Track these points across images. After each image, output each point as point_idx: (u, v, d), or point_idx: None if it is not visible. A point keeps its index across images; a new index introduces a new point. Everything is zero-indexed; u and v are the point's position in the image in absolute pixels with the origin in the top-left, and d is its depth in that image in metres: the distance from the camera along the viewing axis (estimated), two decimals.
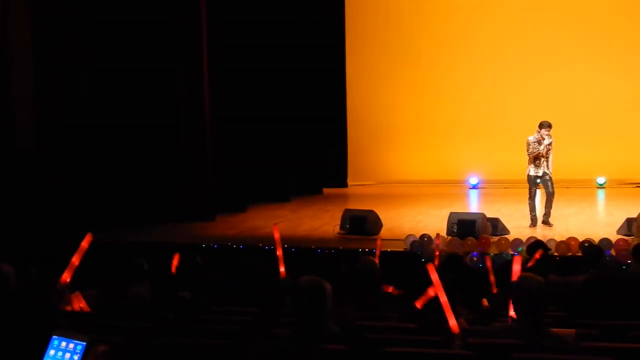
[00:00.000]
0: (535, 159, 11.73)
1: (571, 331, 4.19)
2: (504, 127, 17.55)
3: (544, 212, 11.95)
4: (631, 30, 17.11)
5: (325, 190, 17.32)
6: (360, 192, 17.47)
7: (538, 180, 11.81)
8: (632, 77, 17.15)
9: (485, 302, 6.11)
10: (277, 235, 8.03)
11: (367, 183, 18.36)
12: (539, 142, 11.64)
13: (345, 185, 18.00)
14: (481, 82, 17.74)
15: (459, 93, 17.86)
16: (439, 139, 17.96)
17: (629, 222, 10.91)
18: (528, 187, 11.91)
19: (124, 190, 12.77)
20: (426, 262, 7.85)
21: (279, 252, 7.61)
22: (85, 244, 6.23)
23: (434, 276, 4.74)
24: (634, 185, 16.91)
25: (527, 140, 11.73)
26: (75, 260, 6.11)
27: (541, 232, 11.06)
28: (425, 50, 17.98)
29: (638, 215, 10.72)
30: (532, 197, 11.90)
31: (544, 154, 11.69)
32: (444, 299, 4.64)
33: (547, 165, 11.79)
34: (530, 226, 11.84)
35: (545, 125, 11.69)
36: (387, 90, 18.24)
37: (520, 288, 4.08)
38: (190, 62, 13.27)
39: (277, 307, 5.57)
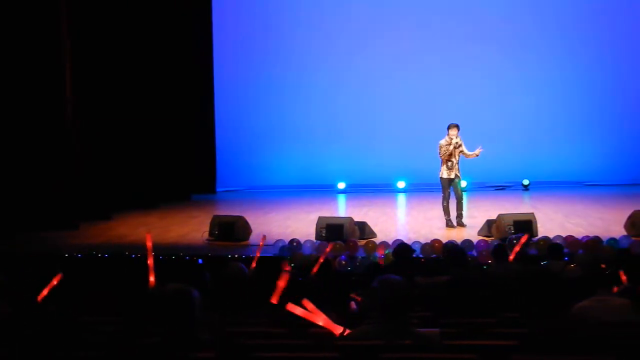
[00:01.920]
0: (448, 161, 11.97)
1: (435, 330, 4.30)
2: (370, 133, 17.91)
3: (456, 214, 12.14)
4: (506, 43, 17.78)
5: (194, 197, 17.13)
6: (229, 198, 17.39)
7: (451, 183, 12.05)
8: (497, 85, 17.81)
9: (353, 304, 6.18)
10: (149, 244, 7.85)
11: (236, 189, 18.30)
12: (449, 144, 11.91)
13: (213, 191, 17.88)
14: (348, 89, 18.01)
15: (327, 99, 18.07)
16: (307, 145, 18.12)
17: (489, 223, 11.32)
18: (442, 189, 12.09)
19: None
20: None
21: (150, 261, 7.44)
22: None
23: (310, 306, 4.75)
24: (494, 188, 17.60)
25: (439, 143, 11.98)
26: None
27: (407, 235, 11.31)
28: (294, 55, 18.11)
29: (497, 217, 11.13)
30: (446, 199, 12.09)
31: (455, 156, 11.95)
32: (319, 320, 4.66)
33: (458, 168, 12.07)
34: (449, 226, 12.02)
35: (451, 126, 11.98)
36: (256, 96, 18.25)
37: (382, 289, 4.15)
38: (50, 62, 12.87)
39: (145, 316, 5.45)
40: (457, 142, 11.93)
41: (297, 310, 4.69)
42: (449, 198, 12.07)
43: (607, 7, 17.69)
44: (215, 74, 17.82)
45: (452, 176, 12.01)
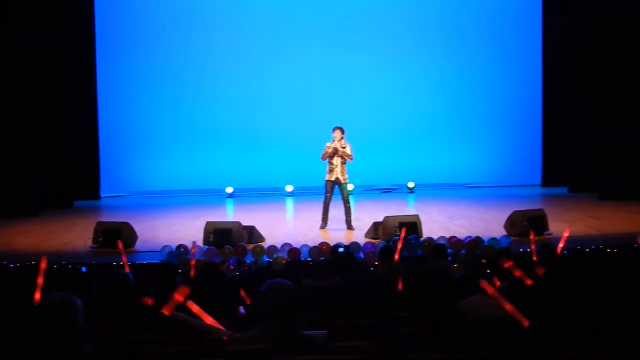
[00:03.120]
0: (329, 164, 12.04)
1: (322, 332, 4.32)
2: (258, 137, 17.90)
3: (345, 218, 12.28)
4: (382, 47, 18.07)
5: (76, 203, 16.65)
6: (113, 204, 17.00)
7: (334, 186, 12.13)
8: (379, 89, 18.12)
9: (241, 309, 6.15)
10: (42, 265, 7.46)
11: (121, 194, 17.92)
12: (330, 147, 12.02)
13: (97, 197, 17.42)
14: (234, 93, 17.93)
15: (214, 103, 17.94)
16: (194, 149, 17.94)
17: (376, 225, 11.48)
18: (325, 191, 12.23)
19: None
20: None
21: (40, 280, 7.08)
22: None
23: (195, 308, 4.70)
24: (380, 191, 17.89)
25: (325, 145, 12.10)
26: None
27: (295, 238, 11.33)
28: (178, 58, 17.90)
29: (384, 219, 11.30)
30: (325, 202, 12.21)
31: (337, 158, 11.99)
32: (206, 323, 4.62)
33: (341, 171, 12.11)
34: (320, 228, 12.21)
35: (334, 129, 12.09)
36: (140, 100, 17.94)
37: (270, 294, 4.14)
38: None
39: (26, 327, 5.25)
40: (340, 145, 12.01)
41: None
42: (329, 200, 12.20)
43: (485, 15, 18.26)
44: (98, 75, 17.40)
45: (333, 178, 12.10)
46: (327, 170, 12.15)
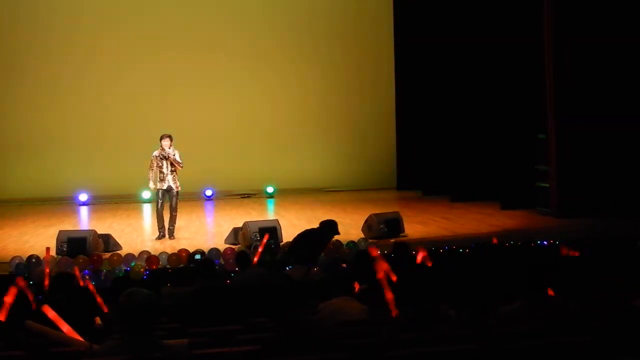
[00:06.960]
0: (159, 172, 11.75)
1: (183, 341, 4.25)
2: (111, 143, 17.50)
3: (168, 227, 11.94)
4: (239, 52, 18.04)
5: None
6: None
7: (165, 194, 11.82)
8: (236, 95, 18.10)
9: (98, 320, 5.98)
10: None
11: None
12: (162, 156, 11.71)
13: None
14: (86, 97, 17.48)
15: (63, 107, 17.42)
16: (42, 155, 17.31)
17: (236, 231, 11.46)
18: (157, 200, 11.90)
19: None
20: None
21: None
22: None
23: (51, 314, 4.52)
24: (239, 196, 17.85)
25: (152, 154, 11.78)
26: None
27: (152, 246, 11.14)
28: (28, 62, 17.25)
29: (243, 225, 11.29)
30: (158, 211, 11.86)
31: (166, 167, 11.73)
32: (63, 332, 4.46)
33: (174, 179, 11.83)
34: (157, 238, 11.86)
35: (162, 137, 11.80)
36: None
37: (129, 303, 4.04)
38: None
39: None
40: (168, 153, 11.77)
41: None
42: (161, 209, 11.87)
43: (340, 21, 18.58)
44: None
45: (165, 187, 11.80)
46: (158, 179, 11.84)
